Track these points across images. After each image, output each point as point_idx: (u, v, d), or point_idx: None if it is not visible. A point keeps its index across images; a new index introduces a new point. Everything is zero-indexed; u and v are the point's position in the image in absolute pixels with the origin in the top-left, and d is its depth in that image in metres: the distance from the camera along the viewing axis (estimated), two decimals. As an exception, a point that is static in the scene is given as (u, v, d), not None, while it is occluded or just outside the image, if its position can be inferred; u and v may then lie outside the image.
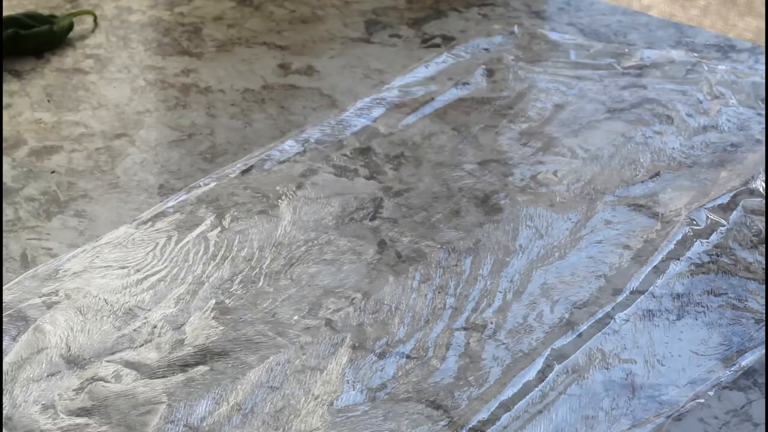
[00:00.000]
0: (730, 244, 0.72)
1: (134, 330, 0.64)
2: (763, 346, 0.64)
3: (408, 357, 0.63)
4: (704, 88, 0.90)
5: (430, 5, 1.03)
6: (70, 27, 0.97)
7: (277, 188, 0.77)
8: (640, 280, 0.69)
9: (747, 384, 0.62)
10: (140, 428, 0.58)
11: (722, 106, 0.87)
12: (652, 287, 0.69)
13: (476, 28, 0.99)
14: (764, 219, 0.74)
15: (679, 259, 0.71)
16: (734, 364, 0.63)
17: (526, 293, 0.68)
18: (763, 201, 0.76)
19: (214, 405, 0.60)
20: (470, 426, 0.59)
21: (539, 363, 0.63)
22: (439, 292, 0.68)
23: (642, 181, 0.79)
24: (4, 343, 0.63)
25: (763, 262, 0.71)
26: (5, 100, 0.87)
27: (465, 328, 0.65)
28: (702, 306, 0.67)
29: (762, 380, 0.62)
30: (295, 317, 0.66)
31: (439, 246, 0.72)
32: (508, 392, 0.61)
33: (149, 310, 0.66)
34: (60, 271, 0.69)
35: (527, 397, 0.61)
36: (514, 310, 0.67)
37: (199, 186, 0.77)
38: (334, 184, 0.78)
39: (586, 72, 0.93)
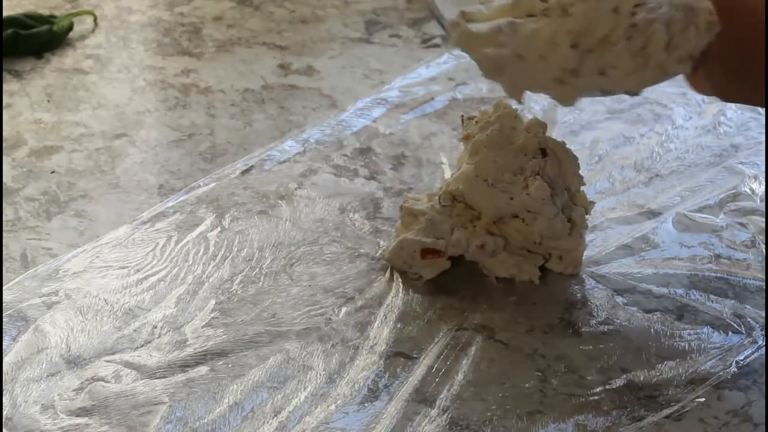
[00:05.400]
0: (729, 244, 0.72)
1: (134, 330, 0.64)
2: (763, 346, 0.64)
3: (408, 357, 0.63)
4: (704, 88, 0.89)
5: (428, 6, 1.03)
6: (70, 27, 0.97)
7: (277, 188, 0.77)
8: (640, 279, 0.69)
9: (747, 384, 0.62)
10: (141, 428, 0.58)
11: (721, 108, 0.87)
12: (652, 287, 0.69)
13: (476, 28, 0.99)
14: (763, 219, 0.74)
15: (679, 259, 0.71)
16: (734, 364, 0.63)
17: (526, 293, 0.68)
18: (762, 201, 0.76)
19: (214, 405, 0.60)
20: (470, 425, 0.59)
21: (539, 363, 0.63)
22: (440, 292, 0.68)
23: (641, 181, 0.79)
24: (4, 343, 0.63)
25: (763, 262, 0.71)
26: (5, 100, 0.87)
27: (465, 329, 0.65)
28: (702, 306, 0.67)
29: (762, 380, 0.62)
30: (295, 317, 0.66)
31: (439, 246, 0.72)
32: (508, 392, 0.61)
33: (149, 310, 0.66)
34: (60, 271, 0.69)
35: (527, 397, 0.60)
36: (514, 310, 0.67)
37: (199, 186, 0.77)
38: (334, 184, 0.78)
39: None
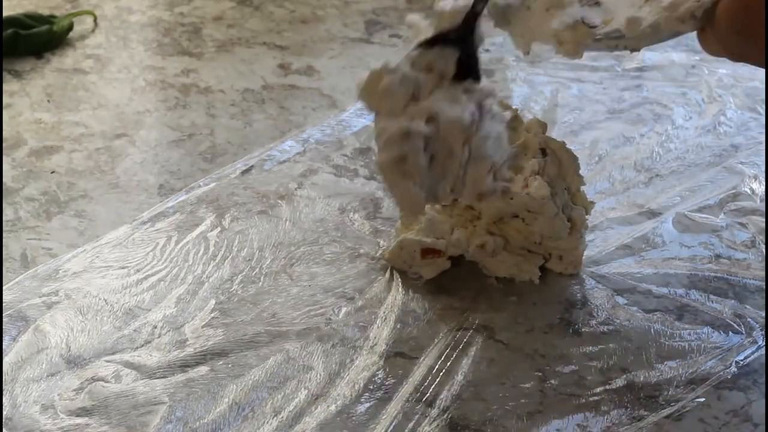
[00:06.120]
0: (729, 244, 0.72)
1: (134, 330, 0.64)
2: (763, 346, 0.64)
3: (408, 357, 0.63)
4: (704, 90, 0.90)
5: (430, 5, 1.03)
6: (70, 27, 0.97)
7: (277, 188, 0.77)
8: (640, 279, 0.69)
9: (747, 384, 0.62)
10: (141, 428, 0.58)
11: (721, 108, 0.87)
12: (652, 287, 0.69)
13: (476, 28, 0.99)
14: (763, 219, 0.74)
15: (679, 259, 0.71)
16: (734, 364, 0.63)
17: (526, 293, 0.68)
18: (762, 201, 0.76)
19: (214, 405, 0.60)
20: (470, 425, 0.59)
21: (539, 363, 0.63)
22: (440, 292, 0.68)
23: (641, 181, 0.79)
24: (4, 343, 0.63)
25: (763, 262, 0.71)
26: (5, 100, 0.87)
27: (465, 329, 0.65)
28: (702, 306, 0.67)
29: (762, 380, 0.62)
30: (295, 317, 0.66)
31: (439, 246, 0.72)
32: (508, 392, 0.61)
33: (149, 310, 0.66)
34: (60, 271, 0.69)
35: (527, 397, 0.61)
36: (514, 310, 0.67)
37: (199, 186, 0.77)
38: (334, 184, 0.78)
39: (586, 73, 0.93)
